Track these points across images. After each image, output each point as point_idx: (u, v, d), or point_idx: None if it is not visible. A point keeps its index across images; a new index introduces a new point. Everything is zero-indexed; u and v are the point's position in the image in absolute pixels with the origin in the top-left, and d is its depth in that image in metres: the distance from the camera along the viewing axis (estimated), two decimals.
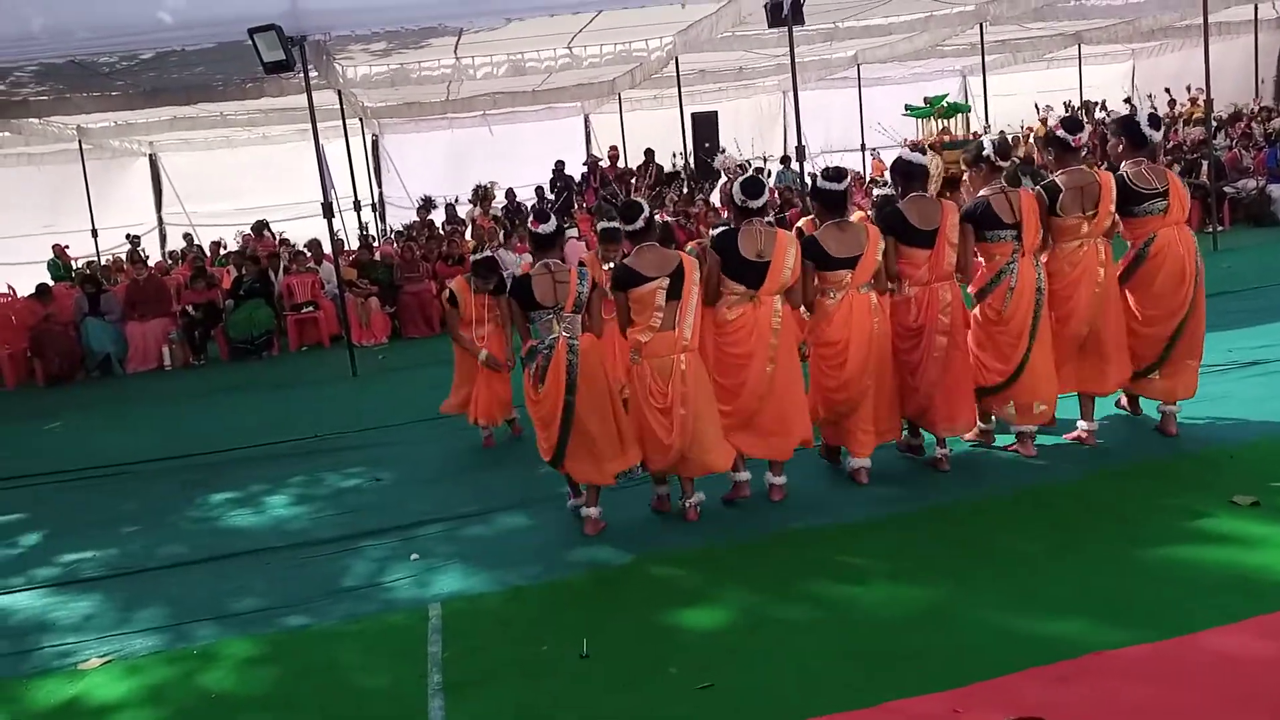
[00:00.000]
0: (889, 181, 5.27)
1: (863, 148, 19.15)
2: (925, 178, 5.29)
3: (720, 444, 4.95)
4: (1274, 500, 4.41)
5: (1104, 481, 4.98)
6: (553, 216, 5.11)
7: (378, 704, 3.61)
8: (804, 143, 11.69)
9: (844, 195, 5.18)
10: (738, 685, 3.43)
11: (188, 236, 18.28)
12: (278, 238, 16.60)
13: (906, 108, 8.02)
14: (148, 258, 16.23)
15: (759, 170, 16.01)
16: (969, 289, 5.36)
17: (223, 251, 16.70)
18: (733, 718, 3.21)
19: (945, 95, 7.93)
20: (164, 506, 6.44)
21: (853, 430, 5.25)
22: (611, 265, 5.71)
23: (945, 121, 7.54)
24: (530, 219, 5.17)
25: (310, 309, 12.99)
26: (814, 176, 5.54)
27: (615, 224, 5.74)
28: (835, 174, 5.19)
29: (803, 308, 5.20)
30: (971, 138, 8.55)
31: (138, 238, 16.98)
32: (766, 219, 5.19)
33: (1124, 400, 5.87)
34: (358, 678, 3.83)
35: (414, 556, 4.99)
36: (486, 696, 3.56)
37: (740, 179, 5.19)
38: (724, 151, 17.20)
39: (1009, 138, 5.49)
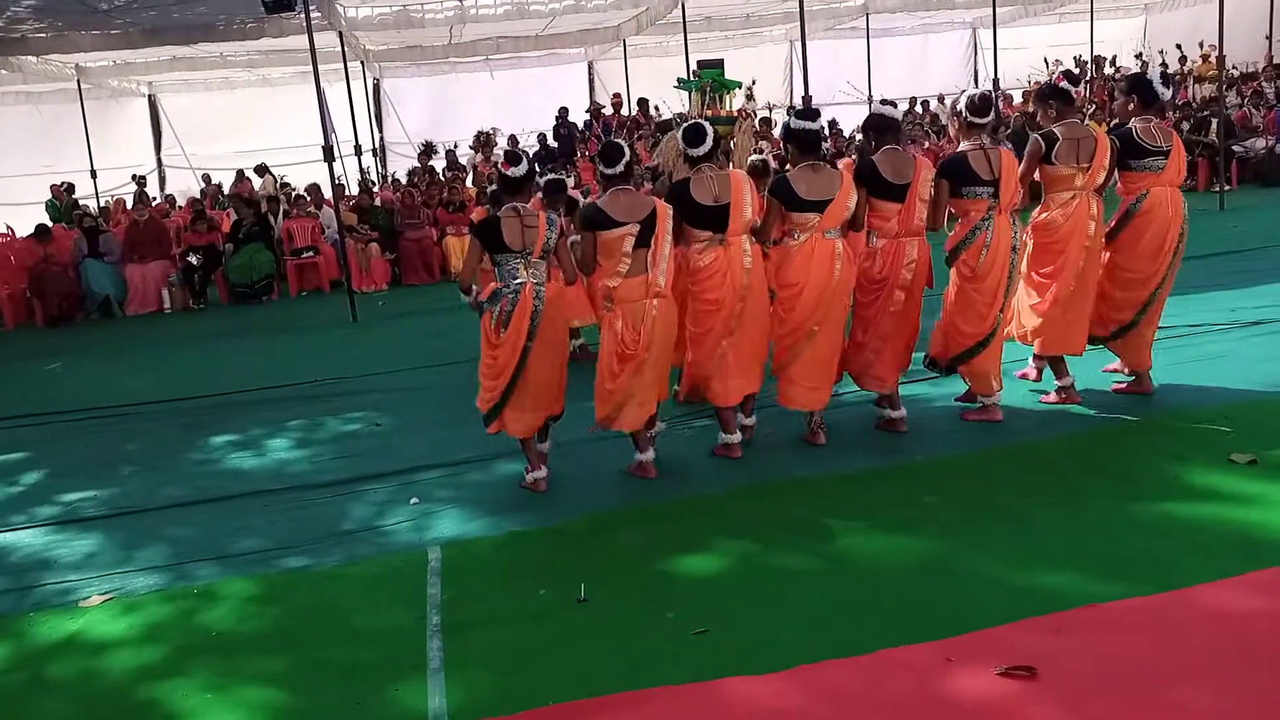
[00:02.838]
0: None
1: (870, 100, 18.95)
2: (899, 131, 5.22)
3: (649, 402, 4.93)
4: (1271, 458, 4.42)
5: (1103, 438, 4.99)
6: (524, 159, 5.02)
7: (377, 644, 3.64)
8: (811, 93, 11.55)
9: (818, 134, 5.11)
10: (733, 631, 3.45)
11: (206, 177, 18.05)
12: (278, 181, 16.47)
13: (677, 80, 7.92)
14: (153, 200, 16.12)
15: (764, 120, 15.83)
16: (944, 247, 5.29)
17: (221, 196, 16.58)
18: (728, 663, 3.24)
19: (718, 71, 7.83)
20: (164, 448, 6.46)
21: (794, 380, 5.14)
22: None
23: (714, 95, 7.46)
24: (501, 161, 5.05)
25: (310, 254, 12.94)
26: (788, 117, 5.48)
27: (559, 176, 5.93)
28: (809, 114, 5.10)
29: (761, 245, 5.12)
30: (739, 115, 8.43)
31: (144, 178, 16.84)
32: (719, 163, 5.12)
33: (1117, 364, 5.83)
34: (357, 618, 3.86)
35: (413, 501, 5.01)
36: (484, 639, 3.59)
37: (683, 126, 5.12)
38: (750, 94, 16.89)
39: (988, 94, 5.38)
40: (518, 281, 4.77)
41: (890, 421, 5.31)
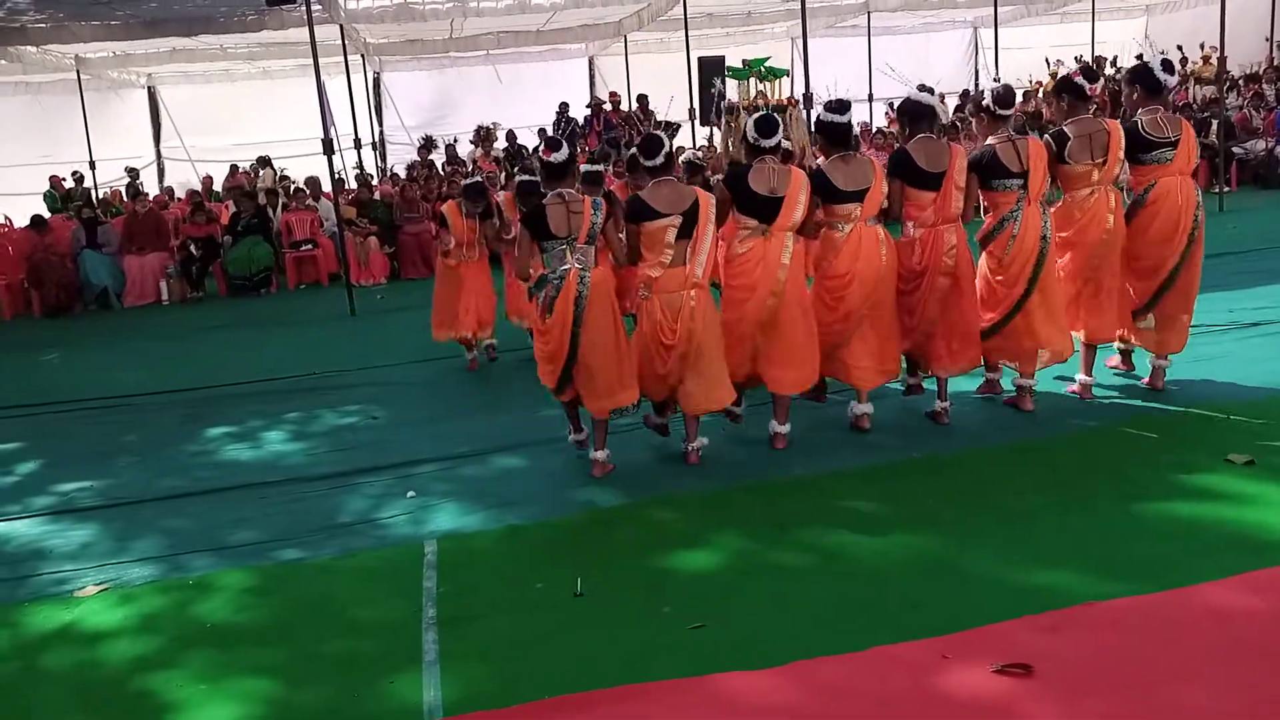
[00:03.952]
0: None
1: (870, 98, 18.92)
2: (934, 119, 5.22)
3: (723, 382, 4.95)
4: (1269, 459, 4.42)
5: (1102, 437, 4.98)
6: (564, 144, 4.98)
7: (372, 636, 3.63)
8: (811, 90, 11.53)
9: (849, 127, 5.10)
10: (730, 627, 3.45)
11: (208, 178, 18.00)
12: (277, 174, 16.44)
13: (728, 70, 8.00)
14: (146, 194, 16.09)
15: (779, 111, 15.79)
16: (976, 236, 5.33)
17: (215, 188, 16.55)
18: (724, 658, 3.23)
19: (767, 58, 7.91)
20: (161, 439, 6.44)
21: (848, 363, 5.20)
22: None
23: (763, 85, 7.54)
24: (542, 147, 5.02)
25: (309, 247, 12.92)
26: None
27: (597, 167, 6.16)
28: (839, 106, 5.09)
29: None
30: (788, 103, 8.53)
31: (136, 171, 16.81)
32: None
33: (1117, 360, 5.85)
34: (353, 611, 3.85)
35: (410, 494, 5.00)
36: (480, 632, 3.58)
37: (755, 116, 5.12)
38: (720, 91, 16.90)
39: (1010, 86, 5.37)
40: (564, 268, 4.77)
41: (935, 414, 5.35)
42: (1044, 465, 4.69)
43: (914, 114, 5.22)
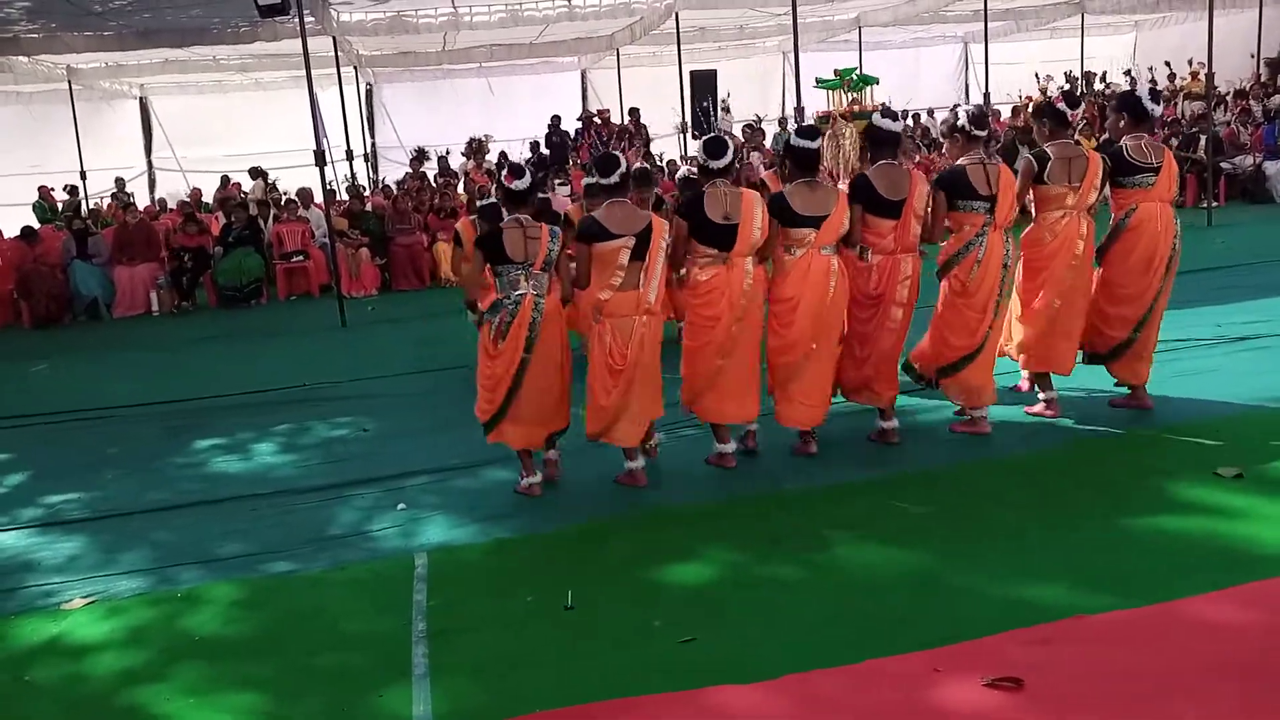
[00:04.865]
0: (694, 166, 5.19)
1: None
2: (897, 145, 5.21)
3: (643, 419, 4.95)
4: (1258, 472, 4.44)
5: (1092, 452, 5.00)
6: (527, 172, 5.01)
7: (362, 650, 3.61)
8: (803, 104, 11.59)
9: (817, 154, 5.09)
10: (720, 641, 3.44)
11: (197, 190, 17.93)
12: (268, 185, 16.43)
13: (817, 80, 8.08)
14: (133, 203, 16.06)
15: (754, 126, 15.87)
16: (936, 259, 5.30)
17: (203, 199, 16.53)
18: (714, 672, 3.23)
19: (854, 69, 8.02)
20: (150, 451, 6.42)
21: (794, 398, 5.13)
22: None
23: (855, 94, 7.62)
24: (505, 173, 5.04)
25: (300, 258, 12.90)
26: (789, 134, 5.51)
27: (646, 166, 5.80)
28: (809, 132, 5.10)
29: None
30: (878, 109, 8.67)
31: (123, 180, 16.77)
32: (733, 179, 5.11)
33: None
34: (342, 623, 3.84)
35: (400, 506, 4.99)
36: (470, 645, 3.57)
37: (705, 138, 5.13)
38: (728, 111, 17.01)
39: (983, 109, 5.43)
40: (518, 293, 4.76)
41: (883, 433, 5.30)
42: (1034, 480, 4.70)
43: (877, 140, 5.21)
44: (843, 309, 5.10)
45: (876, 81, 8.06)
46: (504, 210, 5.06)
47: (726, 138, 5.19)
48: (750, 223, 4.87)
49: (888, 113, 5.23)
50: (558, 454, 5.12)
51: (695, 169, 7.09)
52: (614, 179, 4.86)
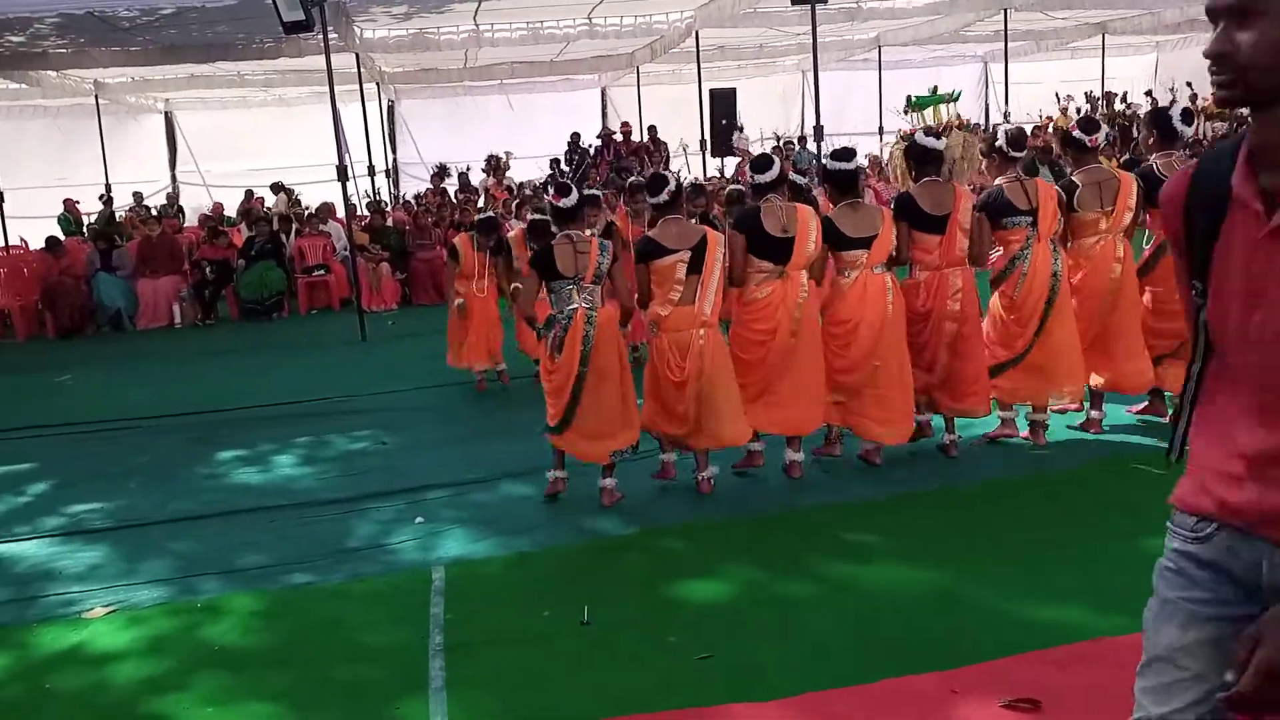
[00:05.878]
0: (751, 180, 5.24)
1: (880, 131, 19.03)
2: (940, 162, 5.29)
3: (737, 418, 4.95)
4: None
5: (1112, 472, 4.97)
6: (574, 190, 5.09)
7: (379, 662, 3.63)
8: (822, 123, 11.61)
9: (855, 174, 5.15)
10: (737, 657, 3.44)
11: (219, 205, 18.08)
12: (291, 200, 16.56)
13: (908, 101, 8.16)
14: (158, 216, 16.21)
15: (781, 147, 15.89)
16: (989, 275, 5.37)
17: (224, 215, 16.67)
18: (730, 688, 3.23)
19: (936, 86, 8.14)
20: (172, 461, 6.47)
21: (859, 415, 5.20)
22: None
23: (950, 107, 7.73)
24: (552, 193, 5.14)
25: (321, 272, 12.99)
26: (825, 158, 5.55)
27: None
28: (845, 154, 5.15)
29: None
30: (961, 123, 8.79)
31: (141, 195, 16.93)
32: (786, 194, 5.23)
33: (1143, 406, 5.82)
34: (360, 635, 3.86)
35: (419, 520, 5.01)
36: (486, 659, 3.58)
37: (753, 157, 5.21)
38: (741, 130, 17.07)
39: (1023, 129, 5.48)
40: (570, 307, 4.83)
41: (944, 447, 5.36)
42: (1054, 499, 4.69)
43: (920, 158, 5.28)
44: (903, 324, 5.16)
45: (957, 98, 8.17)
46: (553, 227, 5.14)
47: (771, 155, 5.27)
48: (806, 236, 4.95)
49: (930, 131, 5.30)
50: (614, 483, 5.06)
51: (747, 184, 7.14)
52: (663, 197, 4.93)
